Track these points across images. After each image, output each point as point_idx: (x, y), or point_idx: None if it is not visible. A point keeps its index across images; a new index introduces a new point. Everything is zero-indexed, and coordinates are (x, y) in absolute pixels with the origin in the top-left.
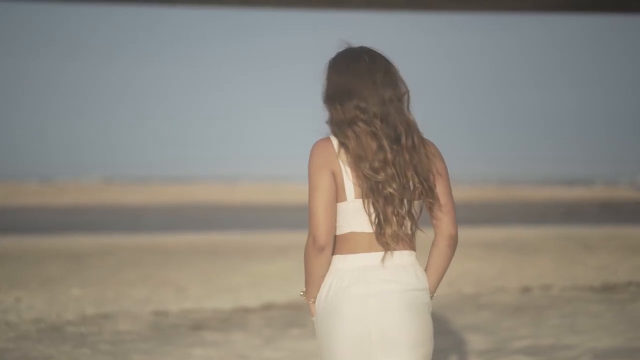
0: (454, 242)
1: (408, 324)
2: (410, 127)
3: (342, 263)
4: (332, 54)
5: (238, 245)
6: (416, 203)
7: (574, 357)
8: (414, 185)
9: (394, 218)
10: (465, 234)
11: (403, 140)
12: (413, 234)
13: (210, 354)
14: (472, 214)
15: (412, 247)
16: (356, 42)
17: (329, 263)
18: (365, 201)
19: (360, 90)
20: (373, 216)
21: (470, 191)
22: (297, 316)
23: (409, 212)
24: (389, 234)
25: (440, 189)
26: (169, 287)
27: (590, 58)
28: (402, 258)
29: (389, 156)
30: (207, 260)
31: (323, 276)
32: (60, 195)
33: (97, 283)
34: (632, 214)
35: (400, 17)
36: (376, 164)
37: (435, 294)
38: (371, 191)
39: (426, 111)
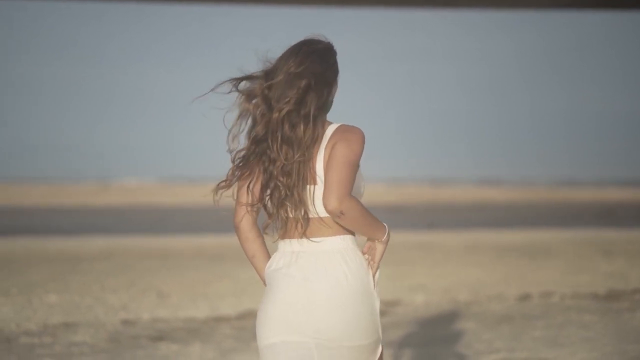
0: (335, 216)
1: (333, 321)
2: (289, 117)
3: (280, 245)
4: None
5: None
6: (312, 188)
7: None
8: (300, 173)
9: (284, 206)
10: (482, 238)
11: (278, 132)
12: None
13: None
14: (501, 217)
15: (340, 232)
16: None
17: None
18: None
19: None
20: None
21: (516, 193)
22: None
23: (300, 198)
24: (292, 220)
25: (326, 168)
26: (151, 293)
27: None
28: (329, 244)
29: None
30: (203, 265)
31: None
32: (101, 196)
33: (78, 289)
34: None
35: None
36: (264, 157)
37: (385, 239)
38: (265, 184)
39: (489, 110)
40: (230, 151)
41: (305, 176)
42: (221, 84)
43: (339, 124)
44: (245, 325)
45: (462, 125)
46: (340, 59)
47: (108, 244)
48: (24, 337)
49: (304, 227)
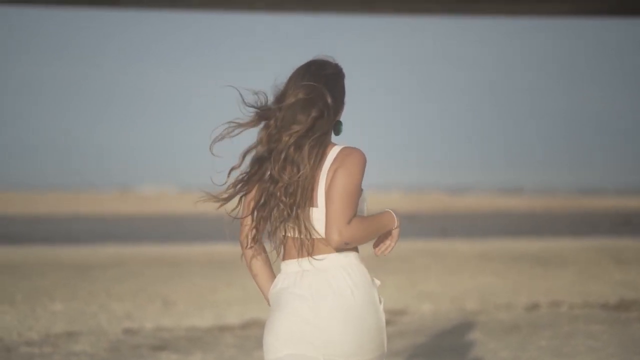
0: (341, 247)
1: (340, 336)
2: (293, 140)
3: (282, 267)
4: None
5: None
6: (312, 210)
7: None
8: (303, 194)
9: (283, 225)
10: (496, 246)
11: (281, 155)
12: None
13: None
14: (517, 225)
15: (343, 250)
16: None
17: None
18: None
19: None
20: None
21: (534, 201)
22: None
23: (302, 219)
24: (291, 240)
25: (327, 198)
26: (157, 302)
27: None
28: (332, 261)
29: (271, 172)
30: (213, 273)
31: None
32: (119, 204)
33: (84, 297)
34: None
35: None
36: (265, 179)
37: (396, 224)
38: (264, 203)
39: (509, 117)
40: (216, 159)
41: (307, 198)
42: (243, 101)
43: (342, 146)
44: (248, 334)
45: (481, 132)
46: (353, 66)
47: (120, 252)
48: (24, 347)
49: (306, 246)
